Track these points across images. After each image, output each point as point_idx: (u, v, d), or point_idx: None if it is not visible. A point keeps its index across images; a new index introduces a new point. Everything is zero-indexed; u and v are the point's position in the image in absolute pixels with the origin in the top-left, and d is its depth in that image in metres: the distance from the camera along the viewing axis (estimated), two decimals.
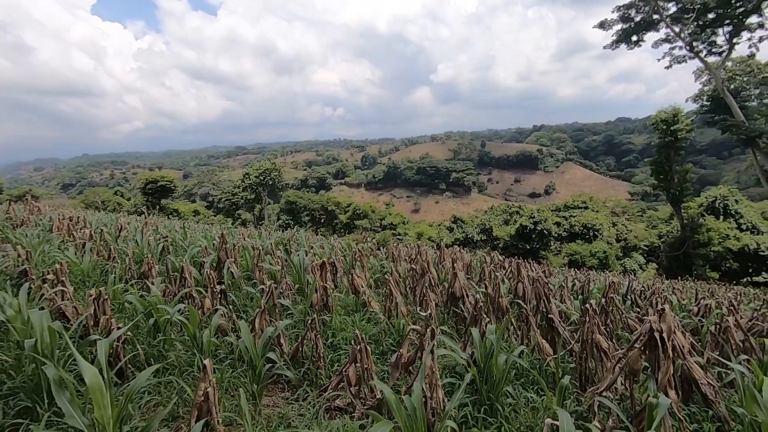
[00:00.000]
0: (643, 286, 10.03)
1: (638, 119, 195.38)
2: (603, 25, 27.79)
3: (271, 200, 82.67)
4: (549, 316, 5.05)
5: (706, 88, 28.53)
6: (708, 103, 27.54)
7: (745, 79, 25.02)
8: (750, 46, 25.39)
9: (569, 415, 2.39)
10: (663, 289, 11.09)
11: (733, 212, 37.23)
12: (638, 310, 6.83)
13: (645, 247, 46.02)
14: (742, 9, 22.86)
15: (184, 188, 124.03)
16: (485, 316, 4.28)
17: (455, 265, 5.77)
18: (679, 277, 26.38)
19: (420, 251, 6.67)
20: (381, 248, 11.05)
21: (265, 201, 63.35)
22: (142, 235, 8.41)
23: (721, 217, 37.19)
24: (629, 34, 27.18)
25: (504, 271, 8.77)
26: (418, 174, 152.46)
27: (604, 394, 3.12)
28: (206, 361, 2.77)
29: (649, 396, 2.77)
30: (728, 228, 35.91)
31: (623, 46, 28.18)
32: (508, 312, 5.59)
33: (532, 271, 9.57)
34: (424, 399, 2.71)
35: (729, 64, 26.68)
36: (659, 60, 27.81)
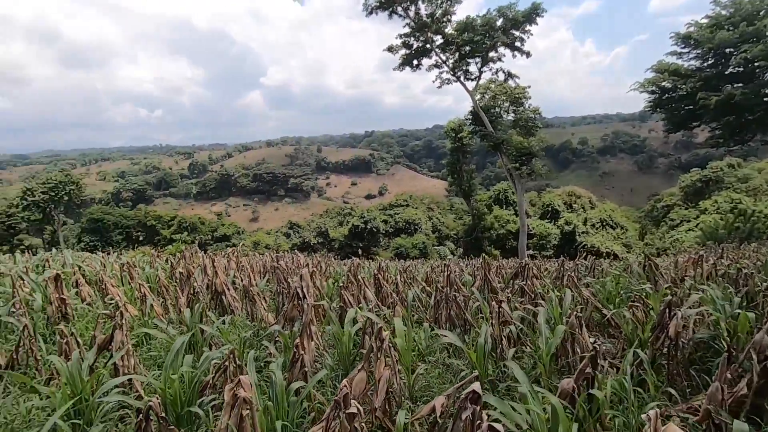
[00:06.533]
0: (438, 266, 12.44)
1: None
2: (391, 49, 32.60)
3: (70, 219, 68.86)
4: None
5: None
6: (471, 117, 34.72)
7: (495, 96, 32.36)
8: (493, 73, 33.76)
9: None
10: (450, 267, 13.86)
11: (511, 202, 47.24)
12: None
13: (454, 236, 54.62)
14: (485, 46, 30.22)
15: None
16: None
17: (215, 264, 6.38)
18: (472, 256, 32.44)
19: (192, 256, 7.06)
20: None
21: (59, 221, 52.58)
22: None
23: (504, 206, 46.87)
24: (411, 58, 32.50)
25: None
26: (255, 181, 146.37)
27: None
28: None
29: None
30: (508, 215, 45.51)
31: (407, 68, 33.58)
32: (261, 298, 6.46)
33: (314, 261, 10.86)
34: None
35: (482, 85, 34.03)
36: (433, 81, 34.22)
